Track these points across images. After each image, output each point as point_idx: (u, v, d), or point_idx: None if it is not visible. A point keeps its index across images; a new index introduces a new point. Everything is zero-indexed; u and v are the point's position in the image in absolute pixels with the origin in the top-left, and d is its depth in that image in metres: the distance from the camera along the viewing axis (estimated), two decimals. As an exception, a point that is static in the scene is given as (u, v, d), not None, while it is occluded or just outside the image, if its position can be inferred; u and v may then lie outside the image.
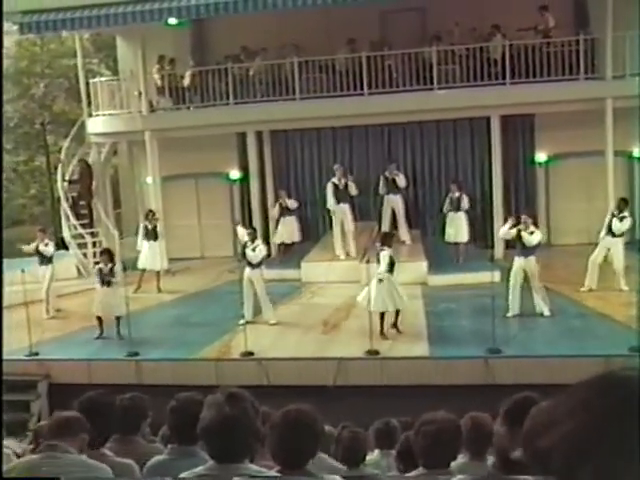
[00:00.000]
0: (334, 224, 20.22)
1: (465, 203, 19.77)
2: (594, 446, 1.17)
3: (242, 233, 17.32)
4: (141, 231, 20.11)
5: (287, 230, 21.12)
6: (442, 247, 20.01)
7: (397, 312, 14.93)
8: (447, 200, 20.05)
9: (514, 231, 15.69)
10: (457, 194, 19.78)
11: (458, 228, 19.67)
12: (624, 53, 19.19)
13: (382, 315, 14.81)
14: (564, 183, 21.85)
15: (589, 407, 1.21)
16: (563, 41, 19.96)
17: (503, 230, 16.29)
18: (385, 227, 20.24)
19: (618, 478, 1.15)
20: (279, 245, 21.47)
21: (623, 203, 17.06)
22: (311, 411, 3.93)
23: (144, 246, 19.94)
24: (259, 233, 21.26)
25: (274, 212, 21.53)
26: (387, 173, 20.59)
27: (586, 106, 19.58)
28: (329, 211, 20.46)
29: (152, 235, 19.96)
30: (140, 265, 19.71)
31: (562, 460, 1.19)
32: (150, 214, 20.29)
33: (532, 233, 15.45)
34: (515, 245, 15.87)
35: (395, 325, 14.94)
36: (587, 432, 1.19)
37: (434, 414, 4.71)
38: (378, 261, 14.82)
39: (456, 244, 19.77)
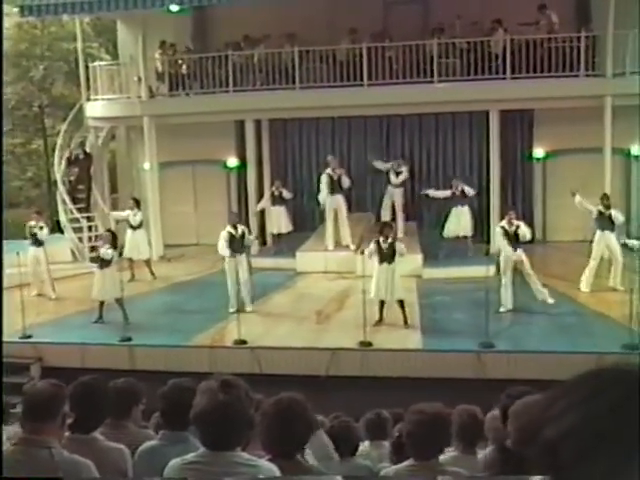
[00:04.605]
0: (327, 215, 20.18)
1: (469, 191, 19.60)
2: (603, 437, 1.18)
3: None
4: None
5: (277, 220, 20.99)
6: (438, 240, 19.97)
7: (402, 306, 14.95)
8: (451, 194, 19.76)
9: (499, 229, 15.75)
10: (460, 186, 19.61)
11: (464, 222, 19.54)
12: (625, 51, 19.19)
13: (382, 303, 14.90)
14: (561, 179, 21.81)
15: (597, 398, 1.22)
16: (564, 37, 19.93)
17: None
18: (386, 219, 20.22)
19: (628, 471, 1.16)
20: (273, 235, 21.39)
21: (607, 198, 16.99)
22: (302, 400, 3.94)
23: (127, 235, 19.83)
24: (256, 221, 21.36)
25: (264, 201, 21.33)
26: (394, 165, 20.62)
27: (585, 103, 19.57)
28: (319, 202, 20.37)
29: (135, 224, 19.90)
30: (125, 254, 19.30)
31: (572, 451, 1.20)
32: (133, 202, 20.18)
33: (518, 227, 15.47)
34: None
35: (404, 319, 14.91)
36: (597, 422, 1.19)
37: (424, 404, 4.71)
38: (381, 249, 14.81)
39: (458, 238, 19.64)
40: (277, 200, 20.88)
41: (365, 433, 7.58)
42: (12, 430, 8.01)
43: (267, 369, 13.51)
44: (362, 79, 20.66)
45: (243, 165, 22.96)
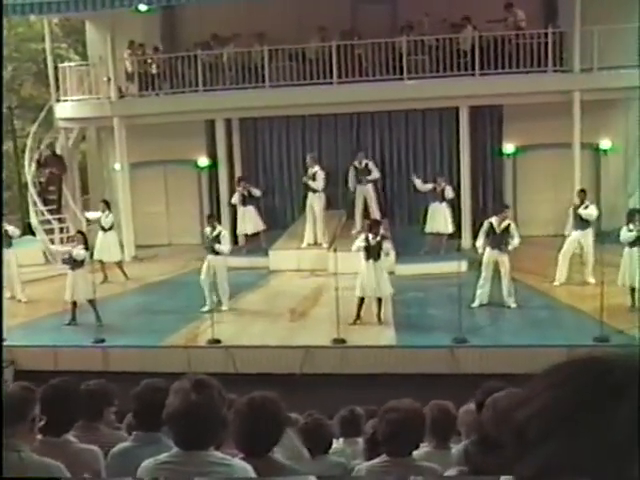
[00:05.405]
0: (307, 213, 20.17)
1: (449, 193, 19.55)
2: (567, 420, 1.22)
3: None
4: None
5: (247, 220, 20.74)
6: (410, 236, 20.02)
7: (380, 302, 15.02)
8: (432, 191, 19.63)
9: (486, 224, 15.79)
10: (442, 184, 19.52)
11: (445, 219, 19.51)
12: (592, 47, 19.33)
13: (362, 301, 14.95)
14: (531, 174, 21.96)
15: (565, 384, 1.26)
16: (532, 34, 20.05)
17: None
18: (358, 217, 20.26)
19: (594, 454, 1.20)
20: (245, 234, 21.27)
21: (583, 194, 17.19)
22: (275, 398, 3.95)
23: (99, 237, 19.73)
24: (227, 221, 21.27)
25: (234, 201, 21.01)
26: (356, 163, 20.59)
27: (554, 98, 19.71)
28: (303, 199, 20.38)
29: (106, 226, 19.81)
30: (95, 256, 18.76)
31: (538, 431, 1.23)
32: (103, 204, 20.12)
33: (508, 226, 15.56)
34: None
35: (379, 316, 15.00)
36: (562, 406, 1.23)
37: (398, 401, 4.74)
38: (369, 245, 14.88)
39: (438, 234, 19.65)
40: (247, 200, 20.64)
41: (339, 430, 7.59)
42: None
43: (242, 368, 13.51)
44: (332, 77, 20.67)
45: (214, 164, 22.85)
